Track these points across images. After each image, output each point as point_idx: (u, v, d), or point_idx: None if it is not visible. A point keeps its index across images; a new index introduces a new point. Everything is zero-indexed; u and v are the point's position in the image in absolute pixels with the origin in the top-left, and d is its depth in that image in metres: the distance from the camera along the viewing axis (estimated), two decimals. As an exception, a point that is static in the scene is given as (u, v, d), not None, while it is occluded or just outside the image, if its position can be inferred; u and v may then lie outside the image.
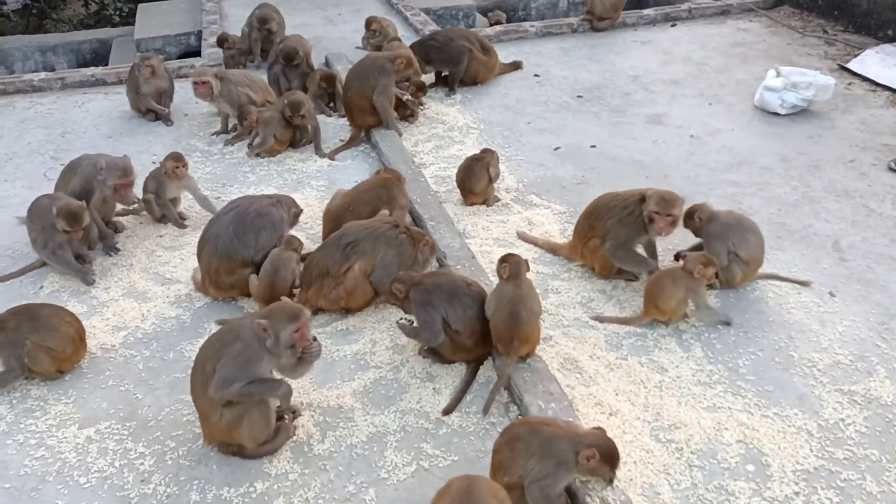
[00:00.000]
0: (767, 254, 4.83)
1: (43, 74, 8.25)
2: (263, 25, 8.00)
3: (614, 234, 4.62)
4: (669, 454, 3.58)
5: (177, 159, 5.38)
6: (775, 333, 4.33)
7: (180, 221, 5.50)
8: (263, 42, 8.19)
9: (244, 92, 6.67)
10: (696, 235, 4.74)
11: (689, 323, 4.41)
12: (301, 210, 4.99)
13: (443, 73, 7.75)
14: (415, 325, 4.14)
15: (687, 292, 4.30)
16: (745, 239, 4.56)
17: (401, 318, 4.37)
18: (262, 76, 7.36)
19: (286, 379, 3.59)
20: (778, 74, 7.02)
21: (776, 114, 6.93)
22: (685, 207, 4.60)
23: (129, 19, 12.77)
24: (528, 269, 3.96)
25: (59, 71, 8.53)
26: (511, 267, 3.91)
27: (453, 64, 7.60)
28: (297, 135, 6.53)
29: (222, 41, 8.03)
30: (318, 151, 6.47)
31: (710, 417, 3.78)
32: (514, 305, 3.88)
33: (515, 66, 8.16)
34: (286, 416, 3.69)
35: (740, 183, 5.91)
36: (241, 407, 3.43)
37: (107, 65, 10.59)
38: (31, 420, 3.86)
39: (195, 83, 6.52)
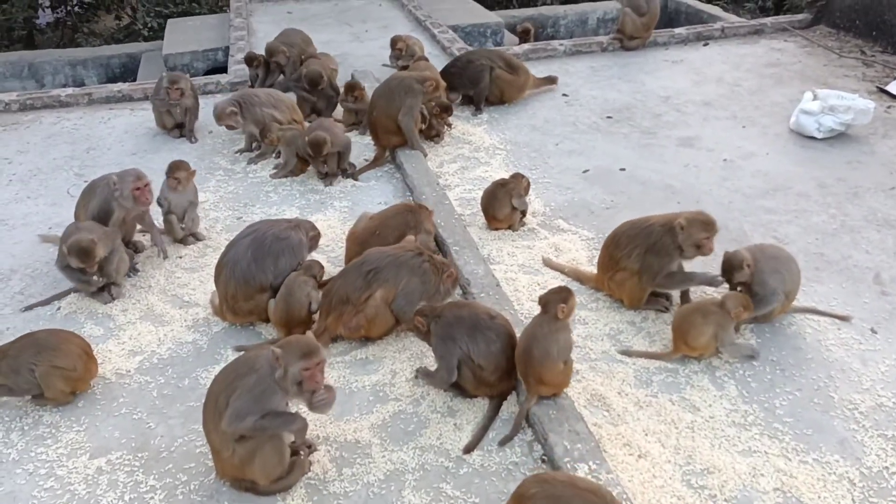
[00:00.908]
0: (804, 286, 4.64)
1: (70, 90, 8.28)
2: (271, 58, 7.92)
3: (646, 265, 4.45)
4: (702, 501, 3.39)
5: (172, 169, 5.33)
6: (814, 372, 4.13)
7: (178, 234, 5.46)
8: (274, 73, 8.07)
9: (269, 112, 6.59)
10: (736, 281, 4.42)
11: (721, 359, 4.22)
12: (319, 234, 4.90)
13: (469, 94, 7.64)
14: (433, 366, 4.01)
15: (717, 328, 4.11)
16: (789, 270, 4.37)
17: (418, 369, 4.21)
18: (290, 95, 7.30)
19: (301, 413, 3.45)
20: (815, 97, 6.82)
21: (813, 138, 6.72)
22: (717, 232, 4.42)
23: (158, 34, 12.87)
24: (564, 311, 3.70)
25: (86, 87, 8.56)
26: (541, 300, 3.75)
27: (474, 84, 7.50)
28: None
29: (250, 60, 7.98)
30: (346, 174, 6.35)
31: (745, 462, 3.58)
32: (528, 342, 3.76)
33: (550, 80, 8.02)
34: (302, 452, 3.56)
35: (775, 210, 5.70)
36: (253, 442, 3.30)
37: (135, 79, 10.67)
38: (42, 448, 3.77)
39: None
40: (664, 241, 4.42)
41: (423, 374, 4.08)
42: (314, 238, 4.83)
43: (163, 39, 10.69)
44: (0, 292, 5.04)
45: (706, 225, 4.36)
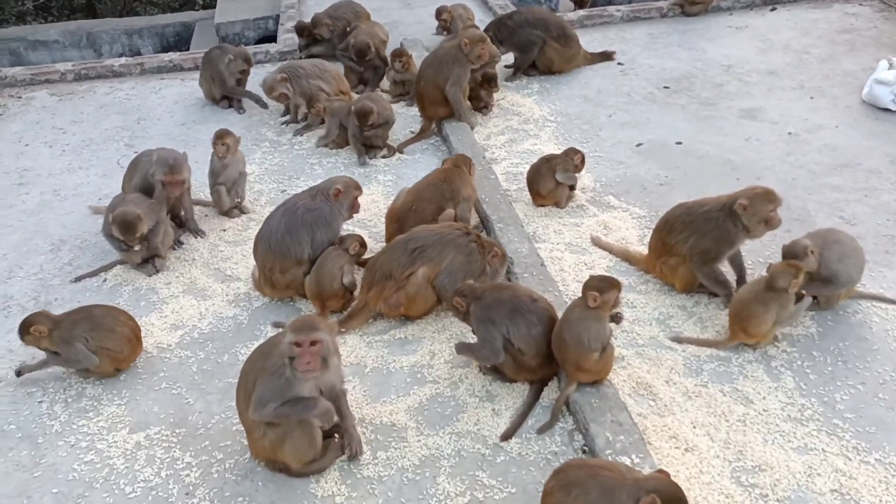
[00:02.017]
0: (872, 271, 4.38)
1: (123, 59, 8.34)
2: (314, 29, 7.78)
3: (701, 249, 4.22)
4: (752, 501, 3.21)
5: (219, 136, 5.28)
6: (879, 364, 3.86)
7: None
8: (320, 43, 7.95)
9: (316, 84, 6.50)
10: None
11: (778, 348, 3.99)
12: (341, 189, 4.57)
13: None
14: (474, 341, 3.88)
15: (778, 311, 3.87)
16: (854, 254, 4.09)
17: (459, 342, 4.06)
18: (337, 65, 7.19)
19: (323, 399, 3.34)
20: (891, 66, 6.36)
21: (887, 110, 6.28)
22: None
23: (212, 2, 12.88)
24: (596, 300, 3.50)
25: (139, 56, 8.60)
26: (583, 288, 3.58)
27: (521, 51, 7.26)
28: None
29: (301, 30, 7.86)
30: (384, 151, 6.17)
31: (800, 460, 3.37)
32: (560, 326, 3.64)
33: (606, 56, 7.61)
34: (336, 434, 3.51)
35: (843, 188, 5.36)
36: (283, 427, 3.25)
37: (188, 48, 10.70)
38: (84, 421, 3.81)
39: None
40: (725, 225, 4.18)
41: (464, 349, 3.91)
42: (337, 193, 4.55)
43: (215, 8, 10.68)
44: (50, 262, 5.11)
45: (769, 196, 4.13)
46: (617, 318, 3.65)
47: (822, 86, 6.88)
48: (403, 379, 3.96)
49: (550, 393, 3.78)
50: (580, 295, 3.61)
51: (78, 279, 4.90)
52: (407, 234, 4.41)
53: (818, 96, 6.70)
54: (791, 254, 4.02)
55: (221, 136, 5.30)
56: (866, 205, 5.15)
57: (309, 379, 3.18)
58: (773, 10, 8.74)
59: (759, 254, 4.64)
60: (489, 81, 6.58)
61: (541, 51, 7.24)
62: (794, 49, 7.66)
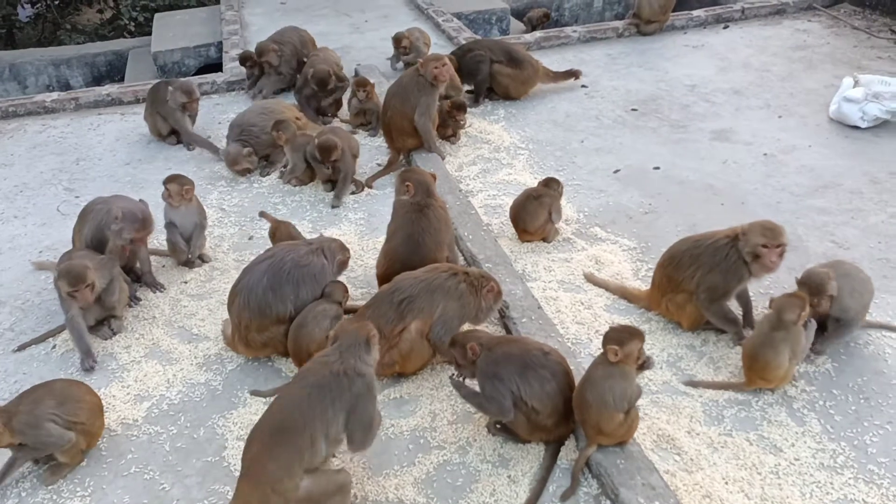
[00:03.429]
0: (875, 297, 4.21)
1: (55, 95, 7.73)
2: (261, 58, 7.38)
3: (709, 285, 4.00)
4: (800, 564, 2.98)
5: (181, 182, 4.83)
6: (901, 400, 3.72)
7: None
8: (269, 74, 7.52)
9: (271, 132, 6.03)
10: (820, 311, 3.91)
11: (797, 387, 3.80)
12: (348, 257, 4.38)
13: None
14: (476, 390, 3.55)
15: (791, 350, 3.68)
16: (864, 288, 3.95)
17: (452, 374, 3.70)
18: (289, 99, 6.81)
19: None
20: (856, 83, 6.37)
21: (856, 127, 6.29)
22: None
23: (144, 28, 12.32)
24: (616, 354, 3.22)
25: (73, 90, 8.01)
26: (603, 342, 3.31)
27: (472, 76, 7.04)
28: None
29: (244, 59, 7.43)
30: (336, 201, 5.65)
31: (842, 514, 3.18)
32: (582, 385, 3.36)
33: (571, 74, 7.35)
34: None
35: (829, 210, 5.27)
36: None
37: (122, 78, 10.12)
38: (43, 519, 3.33)
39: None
40: (730, 256, 3.98)
41: (470, 396, 3.53)
42: (342, 263, 4.35)
43: (150, 35, 10.15)
44: (-13, 329, 4.57)
45: (769, 231, 3.89)
46: (647, 365, 3.36)
47: (788, 104, 6.86)
48: (405, 446, 3.60)
49: (568, 453, 3.49)
50: (600, 349, 3.33)
51: (21, 347, 4.37)
52: (390, 285, 4.02)
53: (786, 115, 6.67)
54: (811, 283, 3.83)
55: (170, 182, 4.84)
56: (855, 227, 5.06)
57: None
58: (725, 27, 8.78)
59: (758, 284, 4.46)
60: (458, 108, 6.30)
61: (493, 78, 7.03)
62: (754, 67, 7.66)
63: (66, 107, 7.57)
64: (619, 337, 3.27)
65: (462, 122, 6.41)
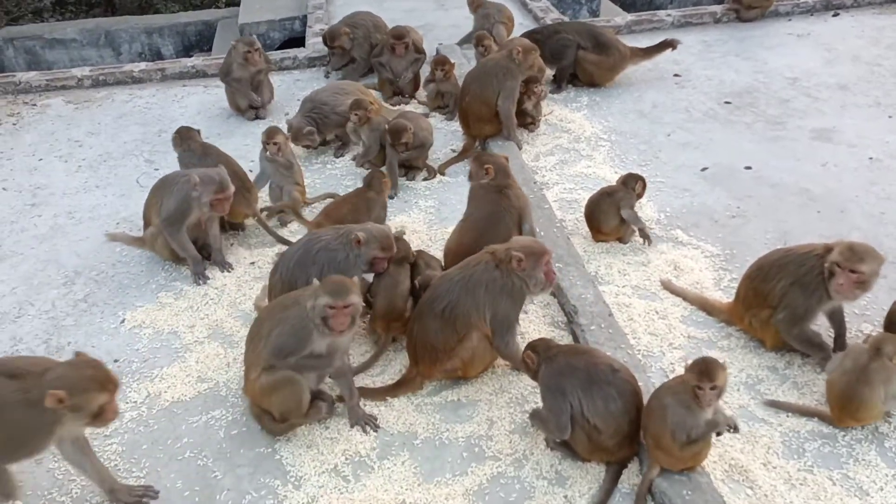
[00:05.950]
0: None
1: (143, 65, 7.89)
2: (333, 43, 7.24)
3: (789, 302, 3.69)
4: None
5: (269, 135, 5.15)
6: None
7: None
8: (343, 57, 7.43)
9: (343, 111, 5.89)
10: None
11: (891, 424, 3.47)
12: (384, 256, 3.99)
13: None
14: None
15: (885, 388, 3.35)
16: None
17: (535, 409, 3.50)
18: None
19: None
20: (982, 83, 5.79)
21: (978, 133, 5.72)
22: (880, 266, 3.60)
23: (236, 0, 12.42)
24: (699, 397, 2.98)
25: (160, 62, 8.14)
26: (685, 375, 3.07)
27: (556, 59, 6.74)
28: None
29: (330, 38, 7.31)
30: (424, 173, 5.69)
31: (934, 574, 2.87)
32: (649, 405, 3.17)
33: (666, 45, 6.81)
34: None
35: (940, 225, 4.81)
36: (277, 376, 3.41)
37: (210, 48, 10.27)
38: None
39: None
40: (814, 270, 3.65)
41: (536, 419, 3.42)
42: (374, 261, 3.99)
43: (239, 6, 10.23)
44: (62, 298, 4.67)
45: (849, 252, 3.54)
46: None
47: (901, 103, 6.31)
48: (459, 453, 3.47)
49: (630, 477, 3.29)
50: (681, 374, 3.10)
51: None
52: (428, 294, 3.81)
53: (898, 115, 6.14)
54: None
55: (271, 136, 5.14)
56: (970, 246, 4.60)
57: (335, 337, 3.37)
58: (835, 15, 8.16)
59: (854, 305, 4.09)
60: (532, 80, 5.89)
61: (578, 64, 6.72)
62: (864, 60, 7.09)
63: (153, 77, 7.70)
64: (706, 370, 2.99)
65: (541, 94, 6.05)
